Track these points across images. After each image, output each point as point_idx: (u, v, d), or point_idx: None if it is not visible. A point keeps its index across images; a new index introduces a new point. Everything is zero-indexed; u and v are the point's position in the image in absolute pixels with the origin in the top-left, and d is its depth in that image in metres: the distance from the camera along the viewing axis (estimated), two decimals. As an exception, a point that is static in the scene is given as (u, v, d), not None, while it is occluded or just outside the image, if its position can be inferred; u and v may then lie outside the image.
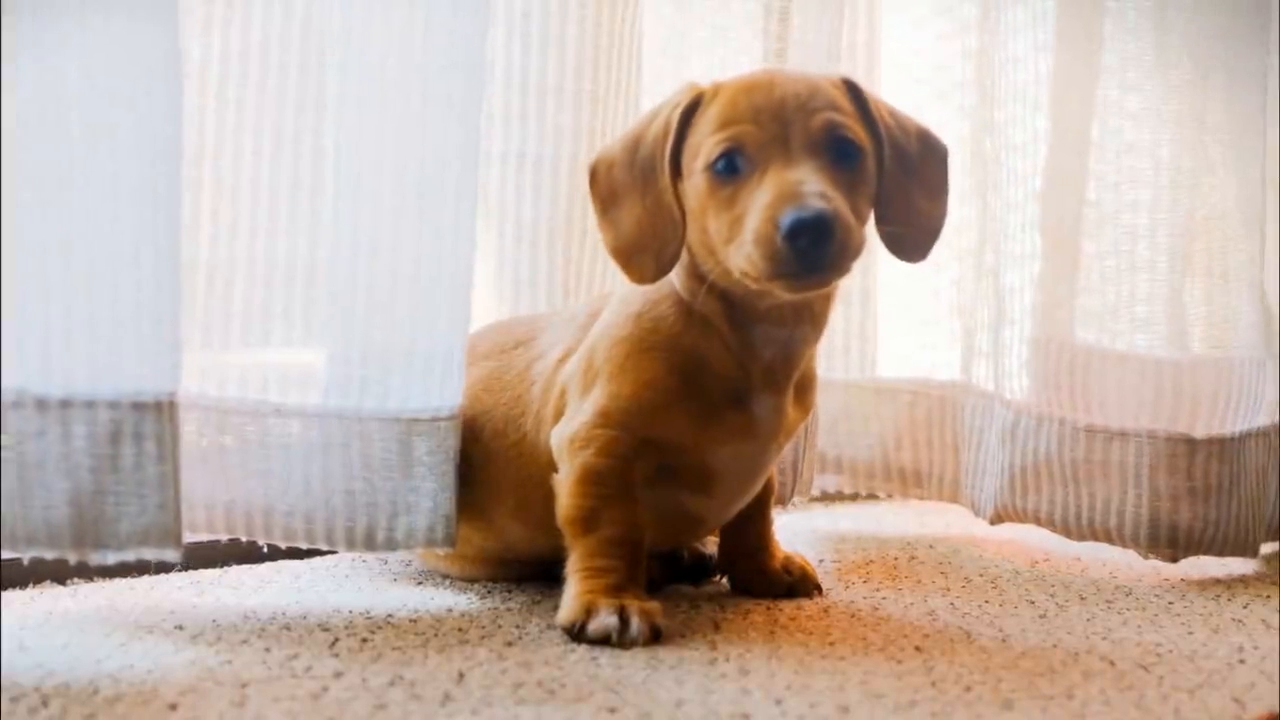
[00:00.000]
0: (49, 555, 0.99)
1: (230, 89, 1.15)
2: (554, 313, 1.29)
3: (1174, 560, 1.40)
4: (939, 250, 1.57)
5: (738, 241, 1.03)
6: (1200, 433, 1.40)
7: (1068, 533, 1.43)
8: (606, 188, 1.12)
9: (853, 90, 1.11)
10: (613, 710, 0.89)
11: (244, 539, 1.17)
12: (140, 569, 1.24)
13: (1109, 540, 1.42)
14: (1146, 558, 1.41)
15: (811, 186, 1.01)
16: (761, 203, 1.01)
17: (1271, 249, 1.54)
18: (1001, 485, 1.46)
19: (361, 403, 1.15)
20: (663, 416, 1.11)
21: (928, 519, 1.66)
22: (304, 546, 1.17)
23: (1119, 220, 1.44)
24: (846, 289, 1.60)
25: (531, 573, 1.25)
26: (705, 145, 1.06)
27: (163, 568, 1.26)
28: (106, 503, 1.00)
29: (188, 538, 1.23)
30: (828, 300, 1.14)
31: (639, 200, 1.10)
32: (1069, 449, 1.42)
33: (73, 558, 1.00)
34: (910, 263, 1.16)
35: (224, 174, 1.16)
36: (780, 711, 0.90)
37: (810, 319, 1.13)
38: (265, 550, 1.28)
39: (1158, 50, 1.43)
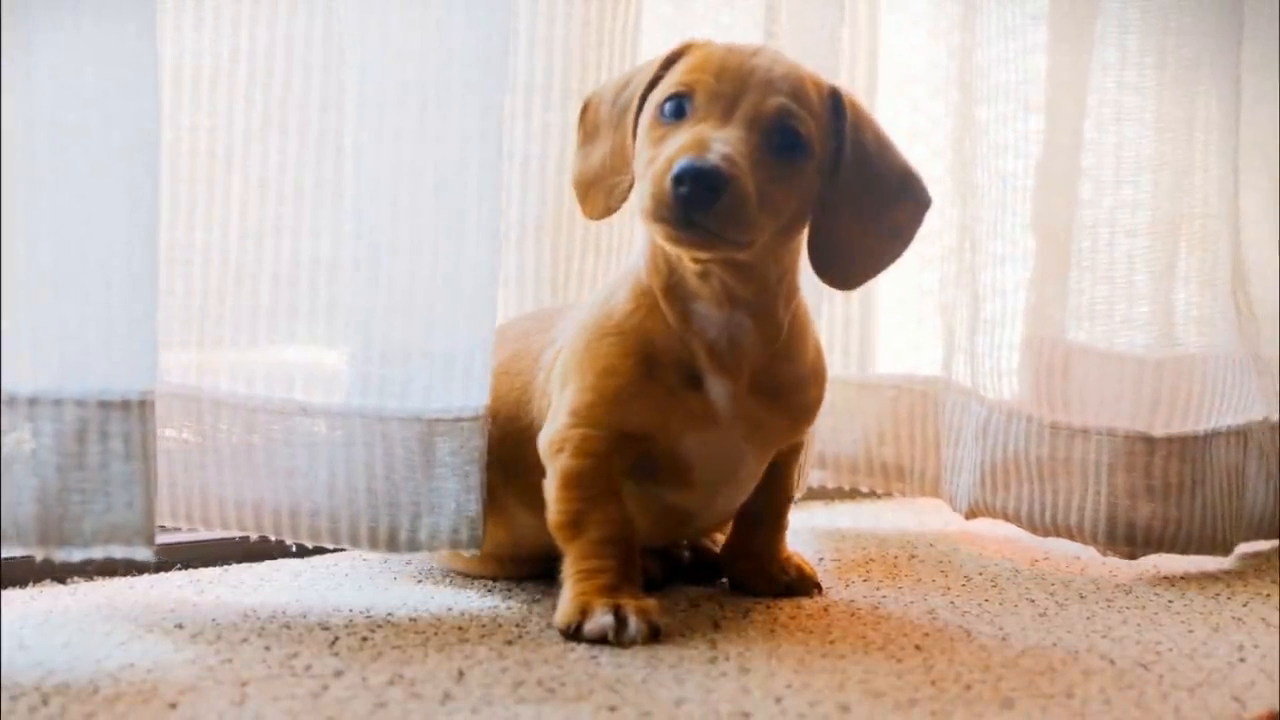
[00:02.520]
0: (15, 553, 1.00)
1: (257, 89, 1.16)
2: (577, 304, 1.29)
3: (1132, 557, 1.41)
4: (929, 247, 1.59)
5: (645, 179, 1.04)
6: (1159, 431, 1.40)
7: (1033, 529, 1.44)
8: (591, 122, 1.16)
9: (834, 100, 1.10)
10: (613, 709, 0.89)
11: (272, 537, 1.17)
12: (140, 568, 1.24)
13: (1070, 537, 1.42)
14: (1104, 555, 1.42)
15: (720, 146, 1.01)
16: (672, 147, 1.03)
17: (1259, 246, 1.54)
18: (975, 481, 1.47)
19: (383, 402, 1.15)
20: (627, 404, 1.11)
21: (927, 517, 1.66)
22: (329, 546, 1.18)
23: (1105, 219, 1.44)
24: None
25: (534, 571, 1.25)
26: (663, 86, 1.08)
27: (162, 566, 1.26)
28: (72, 500, 1.00)
29: (213, 534, 1.25)
30: (762, 292, 1.11)
31: (610, 137, 1.13)
32: (1035, 446, 1.43)
33: (38, 554, 0.99)
34: (832, 287, 1.17)
35: (251, 173, 1.17)
36: (780, 710, 0.90)
37: (744, 306, 1.11)
38: (266, 548, 1.28)
39: (1147, 50, 1.43)
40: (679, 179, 0.99)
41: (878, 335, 1.66)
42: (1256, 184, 1.56)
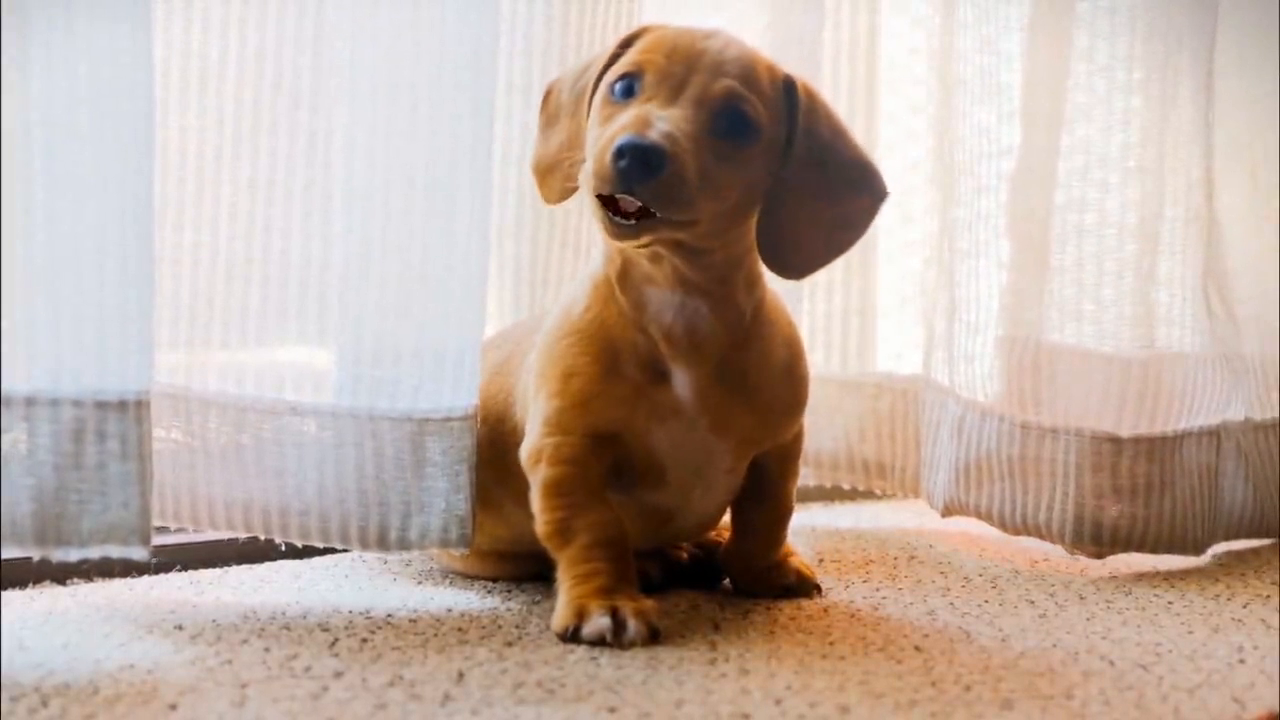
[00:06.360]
0: (12, 553, 1.00)
1: (246, 90, 1.16)
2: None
3: (1099, 557, 1.42)
4: (921, 249, 1.59)
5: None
6: (1127, 431, 1.40)
7: (1004, 527, 1.45)
8: (552, 108, 1.16)
9: (787, 87, 1.09)
10: (612, 710, 0.89)
11: (261, 537, 1.17)
12: (140, 569, 1.24)
13: (1039, 536, 1.43)
14: (1072, 554, 1.43)
15: (662, 124, 1.01)
16: (617, 125, 1.02)
17: (1242, 247, 1.55)
18: (950, 479, 1.48)
19: (373, 402, 1.16)
20: (593, 404, 1.10)
21: (927, 518, 1.66)
22: (319, 545, 1.18)
23: (1077, 221, 1.45)
24: (832, 282, 1.61)
25: (534, 571, 1.25)
26: (616, 66, 1.08)
27: (162, 567, 1.26)
28: (69, 500, 1.00)
29: (213, 535, 1.25)
30: (718, 279, 1.10)
31: (568, 121, 1.13)
32: (1007, 445, 1.43)
33: (35, 554, 1.00)
34: (781, 277, 1.13)
35: (241, 174, 1.17)
36: (780, 711, 0.90)
37: (700, 292, 1.10)
38: (265, 550, 1.28)
39: (1121, 54, 1.44)
40: (619, 153, 0.99)
41: (874, 334, 1.66)
42: (1239, 186, 1.56)
